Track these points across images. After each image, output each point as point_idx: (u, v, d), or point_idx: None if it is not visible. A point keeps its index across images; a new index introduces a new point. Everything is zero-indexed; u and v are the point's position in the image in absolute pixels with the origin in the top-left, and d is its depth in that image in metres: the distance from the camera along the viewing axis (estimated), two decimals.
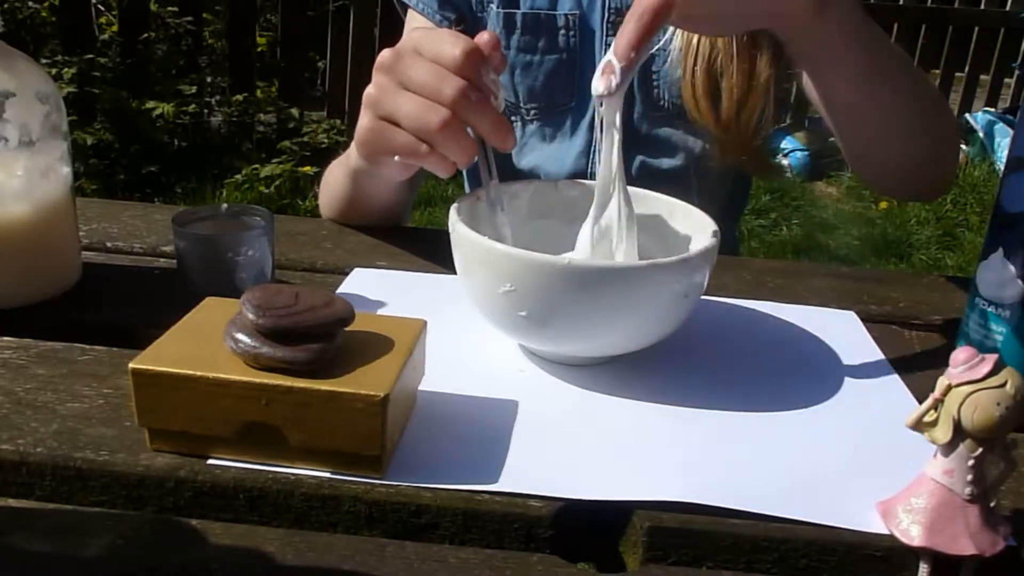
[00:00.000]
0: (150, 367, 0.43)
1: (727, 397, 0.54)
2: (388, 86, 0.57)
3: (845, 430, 0.52)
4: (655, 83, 0.86)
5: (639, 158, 0.88)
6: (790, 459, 0.48)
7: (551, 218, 0.64)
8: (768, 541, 0.43)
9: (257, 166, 2.93)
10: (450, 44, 0.54)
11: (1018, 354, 0.54)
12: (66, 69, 2.89)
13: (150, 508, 0.44)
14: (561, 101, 0.89)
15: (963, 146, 3.82)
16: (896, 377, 0.58)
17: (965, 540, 0.40)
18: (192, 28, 3.25)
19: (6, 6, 3.08)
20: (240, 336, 0.44)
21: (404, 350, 0.46)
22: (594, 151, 0.90)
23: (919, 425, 0.41)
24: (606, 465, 0.47)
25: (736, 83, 0.80)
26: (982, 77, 4.27)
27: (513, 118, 0.90)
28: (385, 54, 0.57)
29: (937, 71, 4.21)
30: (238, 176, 2.91)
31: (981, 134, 3.81)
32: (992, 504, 0.41)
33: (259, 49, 3.47)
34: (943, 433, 0.40)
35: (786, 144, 3.68)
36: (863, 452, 0.50)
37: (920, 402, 0.41)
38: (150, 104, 3.01)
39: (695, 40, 0.81)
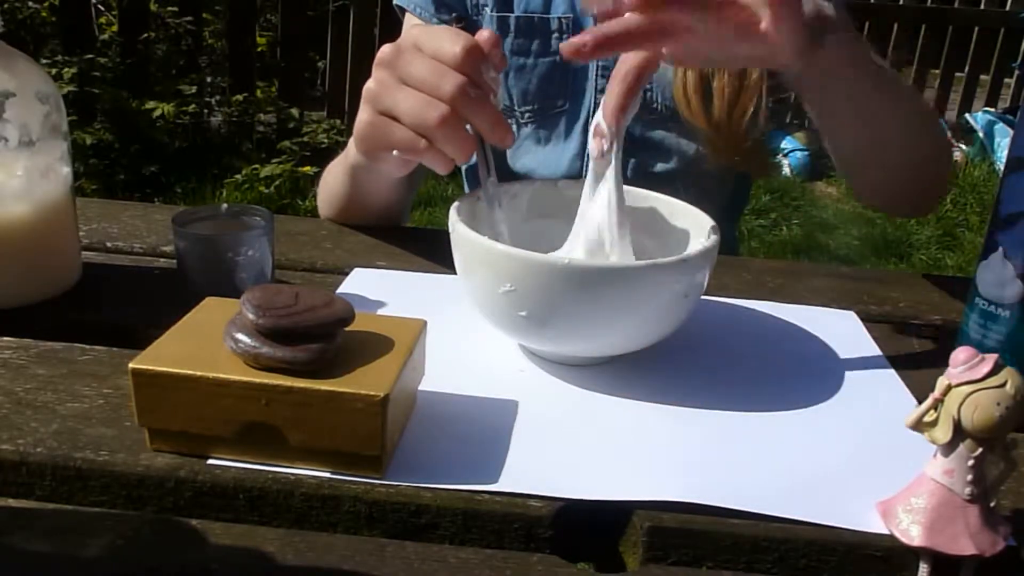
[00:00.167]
0: (150, 367, 0.43)
1: (727, 397, 0.54)
2: (388, 81, 0.57)
3: (845, 430, 0.52)
4: (648, 86, 0.86)
5: (633, 161, 0.88)
6: (790, 459, 0.48)
7: (551, 218, 0.64)
8: (768, 541, 0.43)
9: (257, 166, 2.93)
10: (450, 41, 0.54)
11: (1018, 354, 0.54)
12: (66, 69, 2.89)
13: (150, 508, 0.44)
14: (555, 104, 0.89)
15: (963, 146, 3.82)
16: (896, 377, 0.58)
17: (965, 540, 0.40)
18: (192, 28, 3.25)
19: (6, 6, 3.08)
20: (240, 336, 0.44)
21: (404, 350, 0.46)
22: (587, 156, 0.90)
23: (919, 425, 0.41)
24: (606, 465, 0.47)
25: (727, 83, 0.80)
26: (982, 77, 4.27)
27: (508, 121, 0.90)
28: (385, 49, 0.57)
29: (937, 71, 4.21)
30: (238, 176, 2.91)
31: (981, 134, 3.81)
32: (992, 504, 0.41)
33: (259, 49, 3.47)
34: (943, 433, 0.40)
35: (786, 144, 3.68)
36: (863, 452, 0.50)
37: (920, 402, 0.41)
38: (150, 104, 3.01)
39: None
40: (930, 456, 0.42)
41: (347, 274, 0.68)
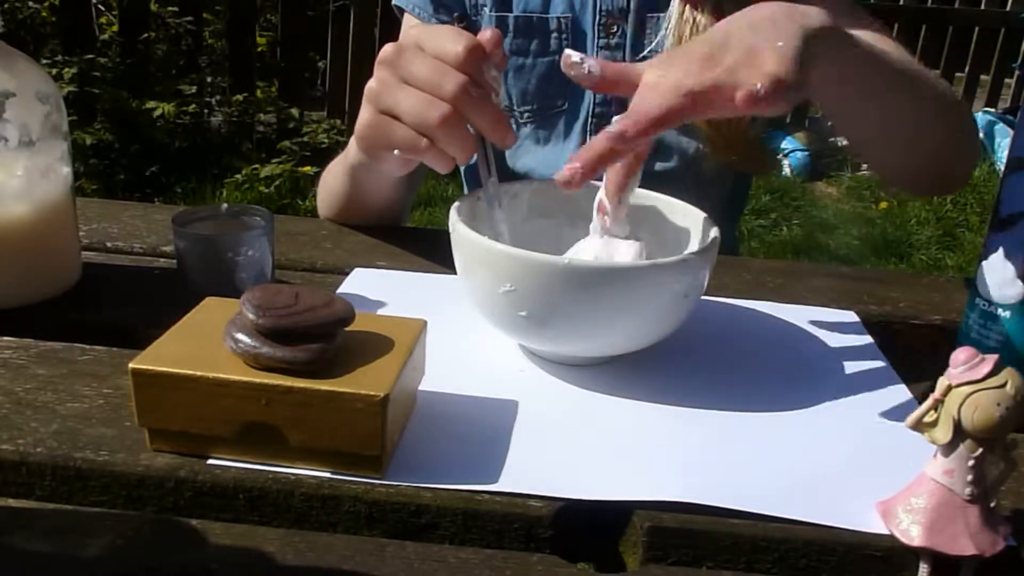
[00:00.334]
0: (150, 367, 0.43)
1: (727, 397, 0.54)
2: (389, 80, 0.57)
3: (845, 430, 0.52)
4: None
5: None
6: (790, 459, 0.48)
7: (551, 218, 0.64)
8: (768, 541, 0.43)
9: (257, 166, 2.93)
10: (452, 40, 0.54)
11: (1018, 354, 0.54)
12: (66, 69, 2.89)
13: (150, 508, 0.44)
14: (554, 104, 0.89)
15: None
16: (896, 377, 0.58)
17: (965, 540, 0.40)
18: (192, 28, 3.25)
19: (6, 6, 3.08)
20: (240, 336, 0.44)
21: (404, 350, 0.46)
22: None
23: (919, 425, 0.41)
24: (606, 465, 0.47)
25: None
26: (982, 77, 4.27)
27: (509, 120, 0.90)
28: (387, 48, 0.57)
29: (937, 71, 4.21)
30: (238, 176, 2.91)
31: (981, 134, 3.80)
32: (992, 504, 0.41)
33: (259, 49, 3.47)
34: (943, 433, 0.40)
35: (786, 144, 3.68)
36: (863, 452, 0.50)
37: (920, 402, 0.41)
38: (150, 104, 3.01)
39: (687, 36, 0.81)
40: (930, 456, 0.42)
41: (347, 274, 0.68)
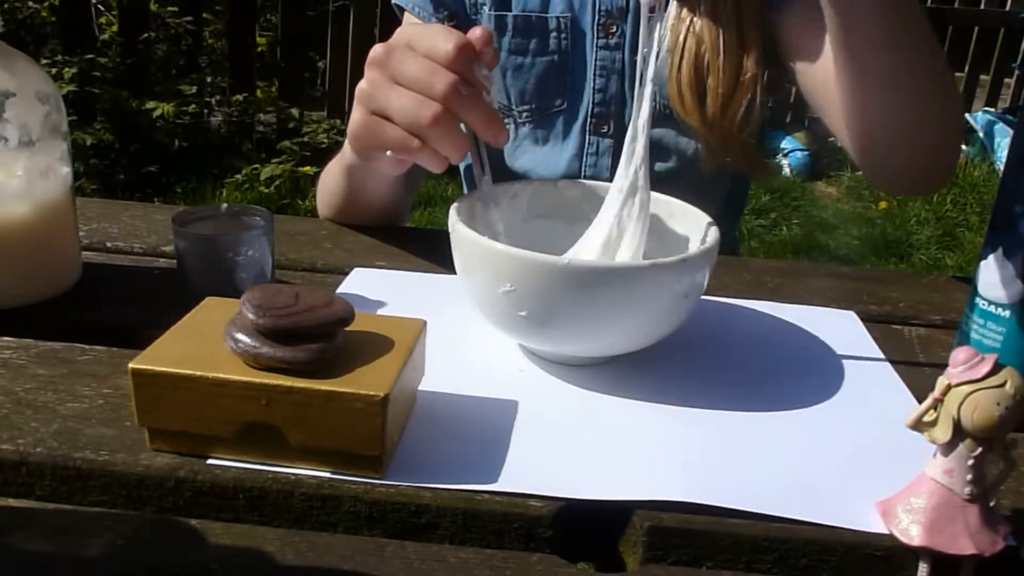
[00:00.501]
0: (150, 367, 0.43)
1: (727, 397, 0.54)
2: (380, 81, 0.57)
3: (845, 430, 0.52)
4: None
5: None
6: (790, 459, 0.48)
7: (551, 218, 0.64)
8: (768, 541, 0.43)
9: (257, 166, 2.93)
10: (442, 39, 0.54)
11: (1018, 354, 0.54)
12: (66, 69, 2.89)
13: (150, 508, 0.44)
14: (553, 104, 0.89)
15: (963, 146, 3.82)
16: (896, 377, 0.58)
17: (965, 540, 0.40)
18: (192, 28, 3.25)
19: (6, 6, 3.08)
20: (240, 336, 0.44)
21: (404, 350, 0.46)
22: (586, 154, 0.90)
23: (919, 425, 0.41)
24: (606, 465, 0.47)
25: (722, 80, 0.80)
26: (982, 77, 4.27)
27: (505, 120, 0.90)
28: (377, 49, 0.57)
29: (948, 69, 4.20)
30: (238, 176, 2.91)
31: (981, 134, 3.81)
32: (992, 504, 0.41)
33: (259, 49, 3.47)
34: (943, 433, 0.40)
35: (786, 144, 3.68)
36: (863, 452, 0.50)
37: (920, 402, 0.41)
38: (150, 104, 3.01)
39: (682, 36, 0.81)
40: (930, 456, 0.42)
41: (347, 274, 0.68)
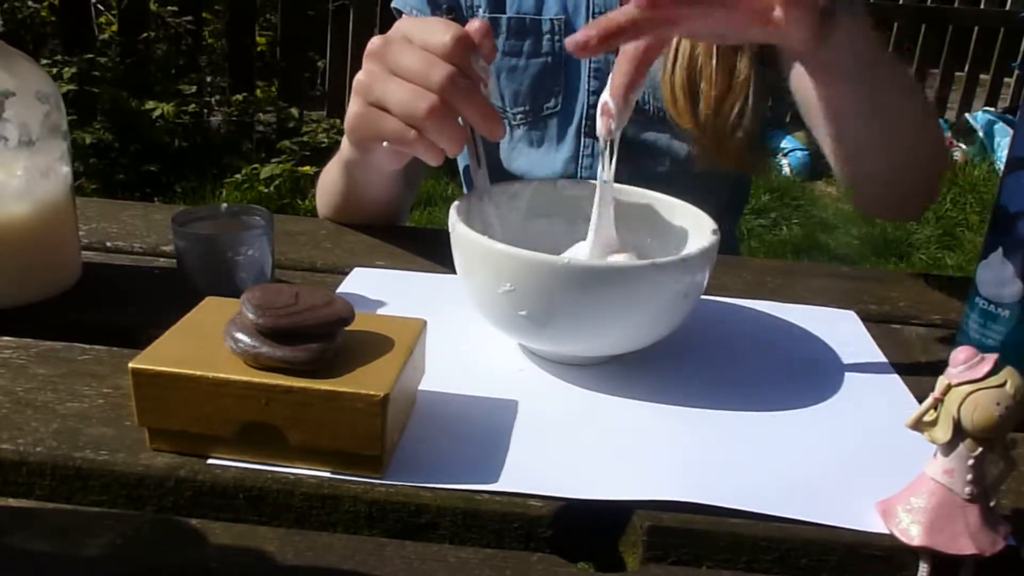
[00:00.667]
0: (150, 367, 0.43)
1: (727, 397, 0.54)
2: (377, 72, 0.57)
3: (845, 430, 0.52)
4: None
5: (627, 164, 0.88)
6: (790, 459, 0.48)
7: (551, 218, 0.64)
8: (768, 541, 0.43)
9: (257, 166, 2.93)
10: (440, 31, 0.54)
11: (1018, 354, 0.54)
12: (66, 69, 2.89)
13: (150, 508, 0.44)
14: (546, 105, 0.89)
15: (963, 146, 3.82)
16: (896, 377, 0.58)
17: (965, 539, 0.40)
18: (192, 28, 3.25)
19: (6, 6, 3.08)
20: (240, 336, 0.44)
21: (404, 350, 0.46)
22: (582, 156, 0.90)
23: (919, 425, 0.41)
24: (606, 465, 0.47)
25: (715, 82, 0.80)
26: (982, 77, 4.27)
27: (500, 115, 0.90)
28: (375, 41, 0.57)
29: (937, 71, 4.21)
30: (238, 176, 2.91)
31: (981, 134, 3.81)
32: (992, 504, 0.41)
33: (259, 49, 3.47)
34: (943, 433, 0.40)
35: (786, 144, 3.68)
36: (863, 452, 0.50)
37: (920, 402, 0.41)
38: (150, 104, 3.01)
39: (675, 39, 0.81)
40: (930, 456, 0.42)
41: (347, 274, 0.68)
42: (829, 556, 0.43)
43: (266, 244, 0.61)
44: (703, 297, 0.56)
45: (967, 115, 3.98)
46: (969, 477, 0.40)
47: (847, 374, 0.58)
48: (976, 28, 4.23)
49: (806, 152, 3.65)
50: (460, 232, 0.54)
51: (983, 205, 3.29)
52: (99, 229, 0.74)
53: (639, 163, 0.87)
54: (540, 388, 0.54)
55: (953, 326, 0.61)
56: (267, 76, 3.45)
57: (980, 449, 0.39)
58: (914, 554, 0.42)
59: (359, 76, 0.58)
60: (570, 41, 0.48)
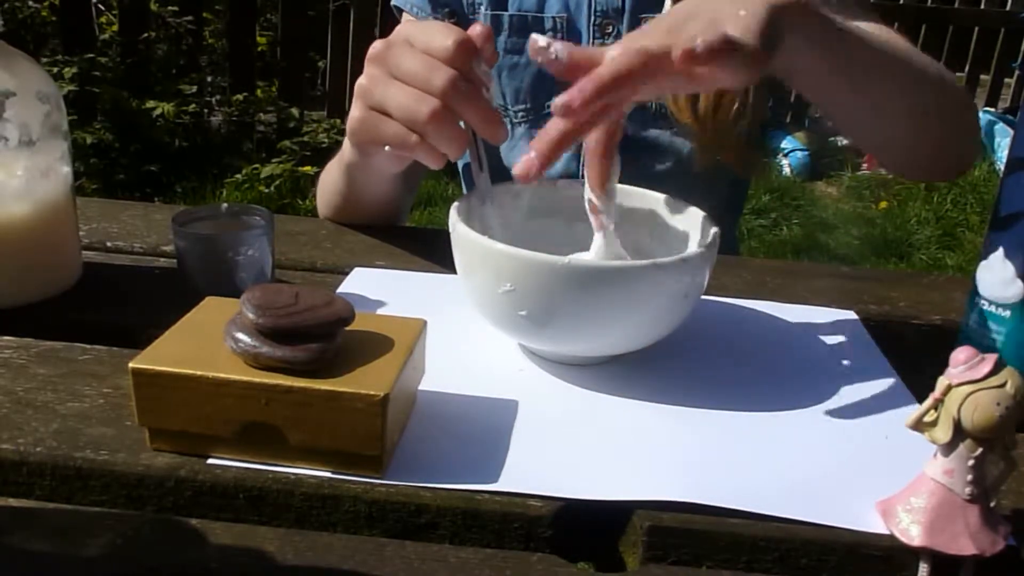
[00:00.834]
0: (150, 367, 0.43)
1: (727, 397, 0.54)
2: (379, 76, 0.57)
3: (845, 430, 0.52)
4: None
5: (629, 161, 0.88)
6: (790, 459, 0.48)
7: (551, 218, 0.64)
8: (768, 541, 0.43)
9: (257, 166, 2.93)
10: (442, 35, 0.54)
11: (1018, 354, 0.54)
12: (66, 69, 2.89)
13: (150, 508, 0.44)
14: (548, 104, 0.88)
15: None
16: (896, 377, 0.58)
17: (965, 540, 0.40)
18: (192, 28, 3.25)
19: (6, 6, 3.08)
20: (240, 336, 0.44)
21: (404, 350, 0.46)
22: (582, 155, 0.90)
23: (919, 425, 0.41)
24: (606, 465, 0.47)
25: None
26: (982, 77, 4.27)
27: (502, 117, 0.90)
28: (377, 45, 0.57)
29: (939, 64, 4.21)
30: (238, 176, 2.91)
31: (981, 134, 3.80)
32: (992, 504, 0.41)
33: (259, 49, 3.47)
34: (943, 433, 0.40)
35: (786, 144, 3.68)
36: (863, 452, 0.50)
37: (920, 402, 0.41)
38: (150, 104, 3.01)
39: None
40: (930, 456, 0.42)
41: (347, 274, 0.68)
42: (829, 556, 0.43)
43: (266, 244, 0.61)
44: (703, 297, 0.56)
45: None
46: (969, 477, 0.40)
47: (847, 374, 0.58)
48: (976, 28, 4.23)
49: (806, 152, 3.65)
50: (460, 232, 0.54)
51: (983, 205, 3.29)
52: (99, 229, 0.74)
53: (640, 160, 0.87)
54: (540, 388, 0.54)
55: (953, 326, 0.61)
56: (267, 76, 3.45)
57: (980, 449, 0.39)
58: (914, 554, 0.42)
59: (360, 80, 0.58)
60: (516, 172, 0.49)
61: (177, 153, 3.11)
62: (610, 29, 0.85)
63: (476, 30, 0.56)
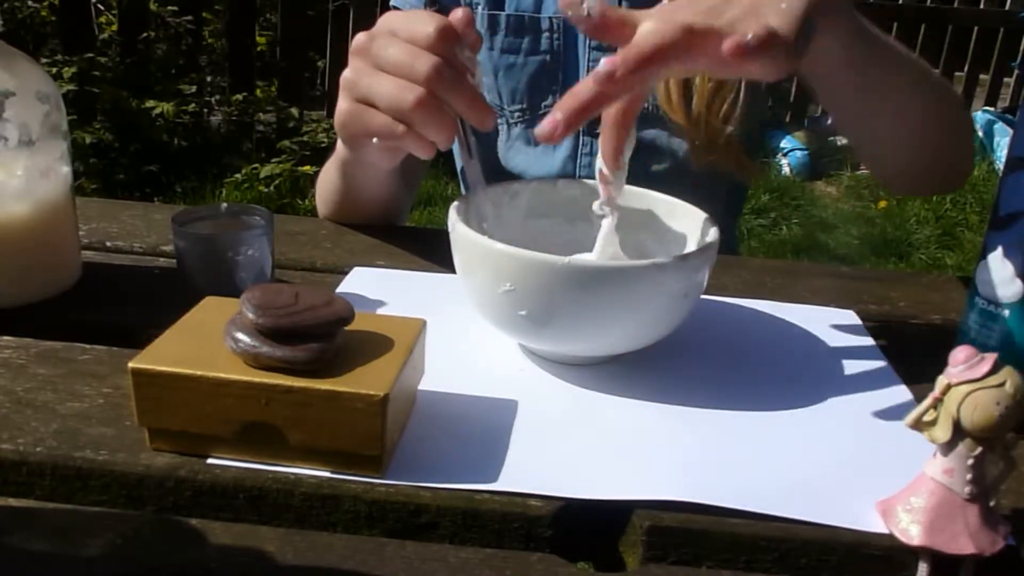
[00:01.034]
0: (150, 367, 0.43)
1: (727, 397, 0.54)
2: (363, 68, 0.56)
3: (845, 430, 0.52)
4: None
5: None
6: (790, 459, 0.48)
7: (551, 218, 0.64)
8: (768, 541, 0.43)
9: (257, 166, 2.93)
10: (423, 23, 0.54)
11: (1018, 354, 0.54)
12: (66, 68, 2.89)
13: (150, 508, 0.44)
14: (544, 104, 0.88)
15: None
16: (896, 377, 0.58)
17: (965, 539, 0.40)
18: (192, 27, 3.25)
19: (6, 6, 3.08)
20: (240, 336, 0.44)
21: (404, 350, 0.46)
22: (580, 155, 0.90)
23: (919, 424, 0.41)
24: (606, 465, 0.47)
25: (707, 77, 0.80)
26: (982, 77, 4.28)
27: (498, 120, 0.90)
28: (360, 37, 0.57)
29: (936, 71, 4.21)
30: (238, 176, 2.91)
31: (981, 134, 3.81)
32: (992, 503, 0.41)
33: (259, 49, 3.47)
34: (943, 432, 0.40)
35: (786, 144, 3.69)
36: (863, 452, 0.50)
37: (920, 402, 0.41)
38: (150, 103, 3.01)
39: None
40: (930, 456, 0.42)
41: (346, 273, 0.68)
42: (829, 556, 0.43)
43: (266, 244, 0.61)
44: (703, 297, 0.56)
45: None
46: (969, 477, 0.40)
47: (847, 374, 0.58)
48: (976, 28, 4.23)
49: (806, 152, 3.65)
50: (460, 232, 0.54)
51: (983, 205, 3.29)
52: (99, 229, 0.74)
53: (638, 161, 0.87)
54: (540, 388, 0.54)
55: (952, 326, 0.61)
56: (267, 76, 3.46)
57: (980, 449, 0.40)
58: (914, 554, 0.42)
59: (345, 73, 0.58)
60: (538, 132, 0.48)
61: (177, 153, 3.11)
62: None
63: (457, 15, 0.56)
